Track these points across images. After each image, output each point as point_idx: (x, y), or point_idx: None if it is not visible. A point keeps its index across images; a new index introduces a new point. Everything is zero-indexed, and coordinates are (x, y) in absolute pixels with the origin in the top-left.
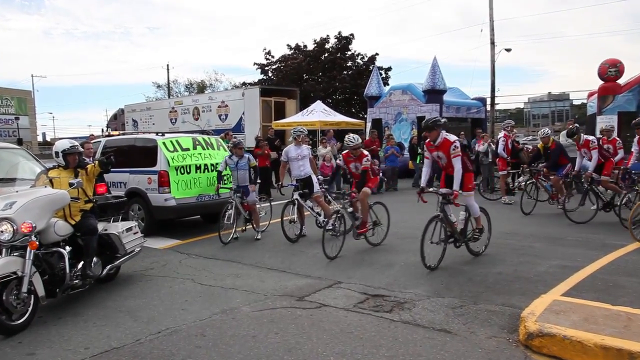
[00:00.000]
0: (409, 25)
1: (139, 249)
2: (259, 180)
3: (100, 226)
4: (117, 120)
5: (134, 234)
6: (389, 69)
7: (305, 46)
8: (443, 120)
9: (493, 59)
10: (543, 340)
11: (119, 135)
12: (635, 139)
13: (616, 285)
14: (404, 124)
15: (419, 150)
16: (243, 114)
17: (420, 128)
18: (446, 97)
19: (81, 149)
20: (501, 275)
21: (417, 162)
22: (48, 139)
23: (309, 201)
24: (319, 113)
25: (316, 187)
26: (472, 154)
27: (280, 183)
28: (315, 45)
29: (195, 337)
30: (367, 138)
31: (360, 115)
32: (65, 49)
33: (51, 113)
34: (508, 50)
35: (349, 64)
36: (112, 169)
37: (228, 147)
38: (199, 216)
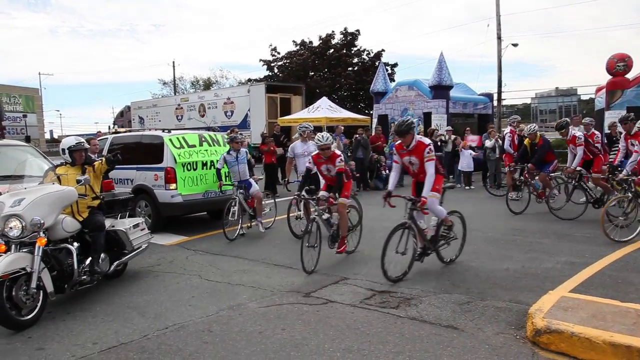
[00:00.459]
0: (415, 21)
1: (146, 245)
2: (261, 176)
3: (108, 223)
4: (123, 118)
5: (141, 230)
6: (395, 64)
7: (310, 42)
8: (416, 121)
9: (500, 54)
10: (551, 337)
11: (125, 132)
12: (622, 135)
13: (625, 281)
14: None
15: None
16: (249, 110)
17: (425, 124)
18: (453, 93)
19: (87, 146)
20: (508, 272)
21: None
22: (55, 136)
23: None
24: (325, 109)
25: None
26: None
27: (286, 179)
28: (321, 41)
29: (203, 333)
30: (373, 134)
31: (366, 111)
32: (71, 47)
33: (58, 110)
34: (515, 45)
35: (355, 60)
36: (119, 166)
37: (226, 141)
38: (205, 213)
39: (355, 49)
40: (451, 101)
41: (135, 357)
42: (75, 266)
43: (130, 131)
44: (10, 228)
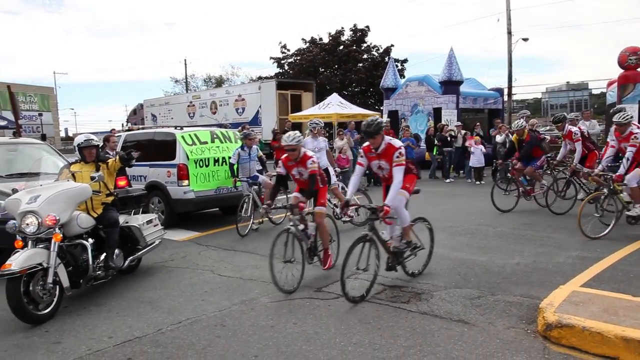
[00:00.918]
0: (425, 17)
1: (159, 241)
2: (274, 172)
3: (122, 219)
4: (136, 115)
5: (154, 226)
6: (405, 60)
7: (320, 39)
8: (385, 121)
9: (510, 48)
10: (562, 331)
11: (138, 129)
12: (612, 129)
13: (637, 276)
14: (420, 116)
15: (436, 142)
16: (260, 107)
17: (435, 120)
18: (463, 88)
19: (96, 143)
20: (519, 266)
21: (434, 153)
22: (70, 134)
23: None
24: (335, 106)
25: (333, 179)
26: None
27: None
28: (331, 38)
29: (215, 327)
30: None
31: (377, 107)
32: (85, 46)
33: (73, 109)
34: (525, 39)
35: (365, 56)
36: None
37: (240, 137)
38: (217, 209)
39: (365, 45)
40: (461, 96)
41: (149, 351)
42: (90, 262)
43: (143, 128)
44: (27, 224)
